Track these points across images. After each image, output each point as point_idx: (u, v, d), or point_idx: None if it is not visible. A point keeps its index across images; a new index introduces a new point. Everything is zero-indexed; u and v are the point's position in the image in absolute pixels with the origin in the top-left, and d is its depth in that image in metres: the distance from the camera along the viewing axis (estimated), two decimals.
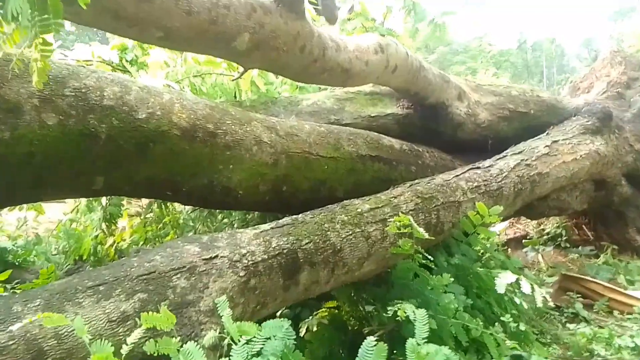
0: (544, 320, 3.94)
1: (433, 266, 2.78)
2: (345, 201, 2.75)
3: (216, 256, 2.02)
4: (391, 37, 3.05)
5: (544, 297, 2.74)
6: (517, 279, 2.78)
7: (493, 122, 4.59)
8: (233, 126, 2.59)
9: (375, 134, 3.60)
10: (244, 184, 2.61)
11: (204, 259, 1.98)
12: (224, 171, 2.59)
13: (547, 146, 4.32)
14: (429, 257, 2.69)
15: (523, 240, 6.12)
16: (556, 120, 5.14)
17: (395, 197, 2.92)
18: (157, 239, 3.66)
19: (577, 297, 4.40)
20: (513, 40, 51.03)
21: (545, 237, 6.74)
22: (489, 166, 3.70)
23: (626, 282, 4.89)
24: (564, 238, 6.55)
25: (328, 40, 2.62)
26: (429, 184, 3.18)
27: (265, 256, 2.16)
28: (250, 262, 2.09)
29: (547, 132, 4.74)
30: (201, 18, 2.25)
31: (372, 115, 3.89)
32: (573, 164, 4.50)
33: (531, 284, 2.75)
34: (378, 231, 2.64)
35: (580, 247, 5.91)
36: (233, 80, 3.31)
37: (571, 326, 3.96)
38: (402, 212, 2.84)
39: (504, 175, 3.67)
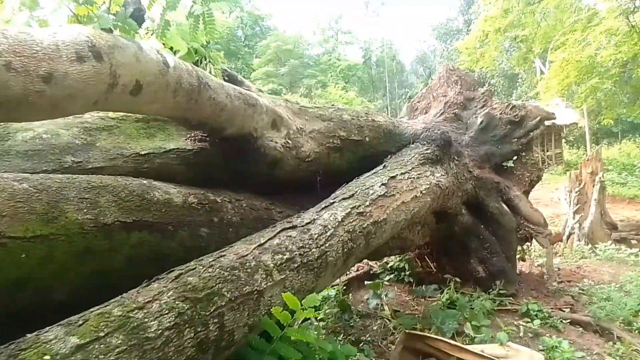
0: None
1: None
2: (16, 344, 1.46)
3: None
4: (124, 37, 1.85)
5: None
6: None
7: (322, 154, 3.67)
8: None
9: (140, 183, 2.38)
10: None
11: None
12: None
13: (383, 184, 3.51)
14: None
15: (365, 282, 5.39)
16: (395, 147, 4.43)
17: (142, 308, 1.72)
18: None
19: None
20: (358, 56, 53.80)
21: (388, 272, 6.12)
22: (309, 222, 2.70)
23: (472, 331, 4.33)
24: (407, 272, 5.98)
25: None
26: (210, 270, 2.04)
27: None
28: None
29: (383, 164, 3.97)
30: None
31: (144, 152, 2.65)
32: (413, 203, 3.77)
33: None
34: None
35: (423, 286, 5.33)
36: None
37: None
38: (151, 337, 1.66)
39: (328, 234, 2.70)
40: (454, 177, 4.85)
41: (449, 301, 5.21)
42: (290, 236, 2.50)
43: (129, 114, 2.71)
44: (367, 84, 53.86)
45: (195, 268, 2.02)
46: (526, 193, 5.88)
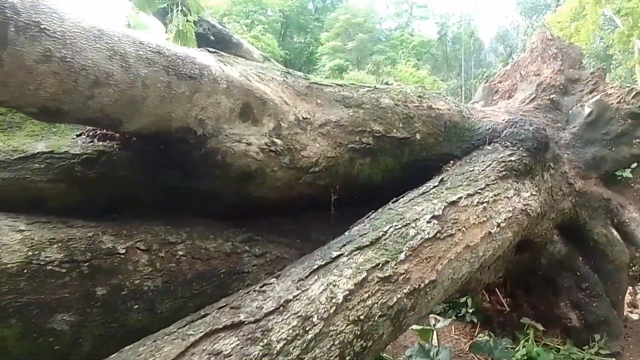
0: None
1: None
2: None
3: None
4: None
5: None
6: None
7: (340, 160, 2.33)
8: None
9: None
10: None
11: None
12: None
13: (435, 217, 2.12)
14: None
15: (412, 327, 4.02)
16: (460, 149, 2.98)
17: None
18: None
19: None
20: (433, 31, 50.82)
21: (444, 306, 4.70)
22: (273, 311, 1.38)
23: None
24: (470, 309, 4.53)
25: None
26: None
27: None
28: None
29: (440, 177, 2.54)
30: None
31: None
32: (485, 245, 2.36)
33: None
34: None
35: (490, 339, 3.85)
36: None
37: None
38: None
39: (310, 336, 1.38)
40: (547, 194, 3.35)
41: (526, 358, 3.76)
42: (216, 354, 1.19)
43: None
44: (441, 62, 50.69)
45: None
46: None
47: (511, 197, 2.69)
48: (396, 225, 1.97)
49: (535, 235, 3.54)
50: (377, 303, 1.63)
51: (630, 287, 4.34)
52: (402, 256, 1.82)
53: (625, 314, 4.51)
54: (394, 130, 2.56)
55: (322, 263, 1.65)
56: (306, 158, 2.12)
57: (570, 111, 4.16)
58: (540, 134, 2.96)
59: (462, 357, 4.00)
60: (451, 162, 2.89)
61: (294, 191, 2.19)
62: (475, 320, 4.45)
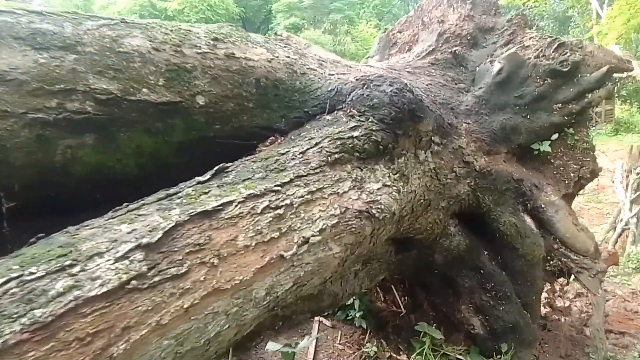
0: None
1: None
2: None
3: None
4: None
5: None
6: None
7: (7, 141, 1.35)
8: None
9: None
10: None
11: None
12: None
13: (144, 246, 1.18)
14: None
15: (269, 344, 3.17)
16: (285, 120, 2.03)
17: None
18: None
19: None
20: None
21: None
22: None
23: None
24: (358, 312, 3.70)
25: None
26: None
27: None
28: None
29: (216, 168, 1.59)
30: None
31: None
32: (272, 278, 1.45)
33: None
34: None
35: (380, 347, 3.03)
36: None
37: None
38: None
39: None
40: (429, 178, 2.47)
41: None
42: None
43: None
44: None
45: None
46: (569, 197, 3.42)
47: (344, 192, 1.78)
48: (25, 278, 1.02)
49: (417, 232, 2.69)
50: None
51: (548, 284, 3.59)
52: None
53: (543, 314, 3.80)
54: (144, 90, 1.58)
55: None
56: None
57: (477, 67, 3.26)
58: (403, 97, 2.02)
59: None
60: (269, 139, 1.95)
61: None
62: (365, 326, 3.63)
